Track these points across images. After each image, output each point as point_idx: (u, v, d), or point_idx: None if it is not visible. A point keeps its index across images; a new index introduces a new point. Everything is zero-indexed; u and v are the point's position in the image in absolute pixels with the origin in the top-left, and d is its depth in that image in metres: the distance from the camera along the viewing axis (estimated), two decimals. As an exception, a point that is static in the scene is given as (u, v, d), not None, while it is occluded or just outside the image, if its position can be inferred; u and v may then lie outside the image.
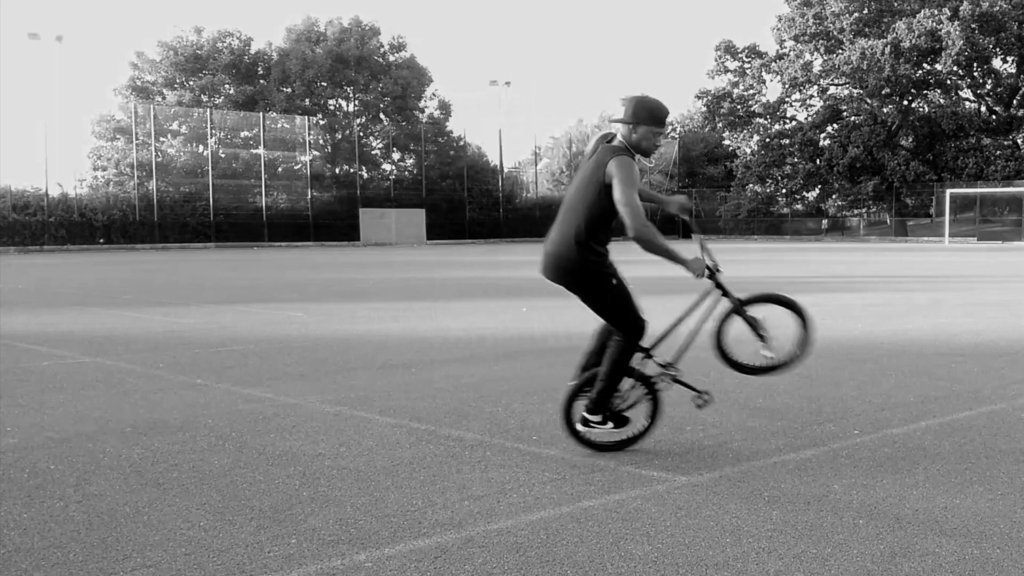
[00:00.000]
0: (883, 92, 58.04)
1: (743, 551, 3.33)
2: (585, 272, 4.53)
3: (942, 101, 59.62)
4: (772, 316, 4.76)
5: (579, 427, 4.65)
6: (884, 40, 56.26)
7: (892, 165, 57.72)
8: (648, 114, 4.54)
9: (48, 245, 44.06)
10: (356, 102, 63.84)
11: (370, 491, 4.10)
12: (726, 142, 71.64)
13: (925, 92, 60.40)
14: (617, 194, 4.37)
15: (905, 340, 9.00)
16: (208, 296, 15.30)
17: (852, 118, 60.91)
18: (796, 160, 62.02)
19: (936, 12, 56.09)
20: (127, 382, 6.87)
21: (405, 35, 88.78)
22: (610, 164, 4.43)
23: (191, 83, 59.32)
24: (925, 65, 57.99)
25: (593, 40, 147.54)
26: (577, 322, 10.79)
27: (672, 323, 4.78)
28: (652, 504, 3.88)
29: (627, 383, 4.67)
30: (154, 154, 50.84)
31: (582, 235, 4.47)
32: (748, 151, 67.19)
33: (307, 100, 61.62)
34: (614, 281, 4.58)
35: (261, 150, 53.87)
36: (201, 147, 54.87)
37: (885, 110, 59.44)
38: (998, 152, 57.11)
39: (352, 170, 59.22)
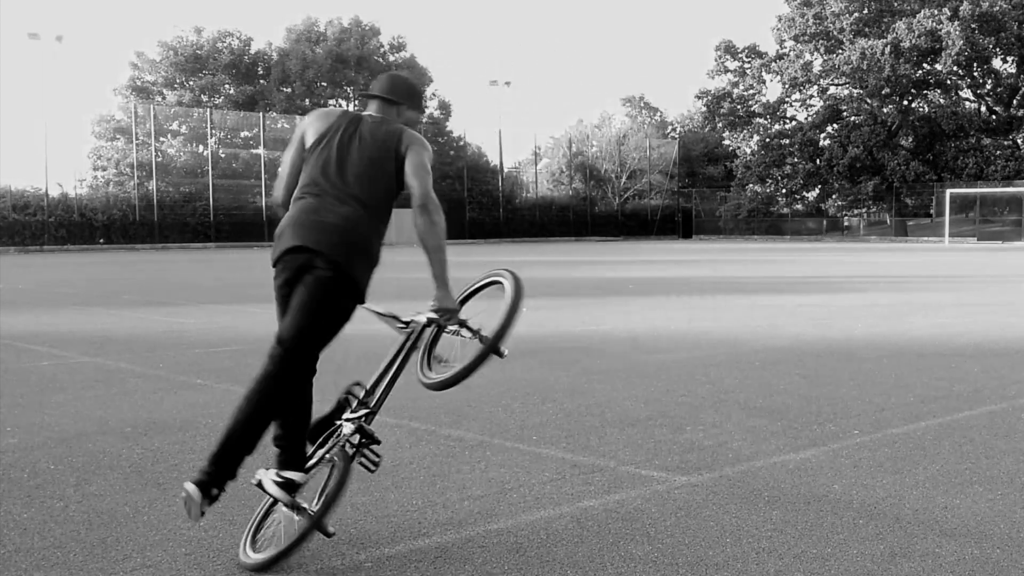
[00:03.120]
0: (883, 92, 58.02)
1: (743, 551, 3.33)
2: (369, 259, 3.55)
3: (942, 101, 59.60)
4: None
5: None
6: (884, 40, 56.25)
7: (892, 165, 57.71)
8: (413, 95, 3.73)
9: (48, 245, 44.03)
10: (356, 102, 63.82)
11: (370, 491, 4.10)
12: (726, 142, 71.63)
13: (925, 92, 60.39)
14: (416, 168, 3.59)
15: (905, 340, 9.00)
16: (208, 296, 15.30)
17: (852, 118, 60.89)
18: (796, 160, 61.99)
19: (936, 12, 56.08)
20: (127, 382, 6.87)
21: (405, 35, 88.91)
22: (407, 136, 3.57)
23: (191, 83, 59.33)
24: (925, 65, 57.98)
25: (593, 40, 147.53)
26: (577, 322, 10.80)
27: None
28: (652, 504, 3.87)
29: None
30: (154, 154, 50.82)
31: (382, 213, 3.58)
32: (748, 151, 67.18)
33: (307, 100, 61.62)
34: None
35: (261, 150, 53.84)
36: (201, 147, 54.87)
37: (885, 110, 59.42)
38: (998, 152, 57.09)
39: (352, 170, 59.16)
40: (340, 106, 64.99)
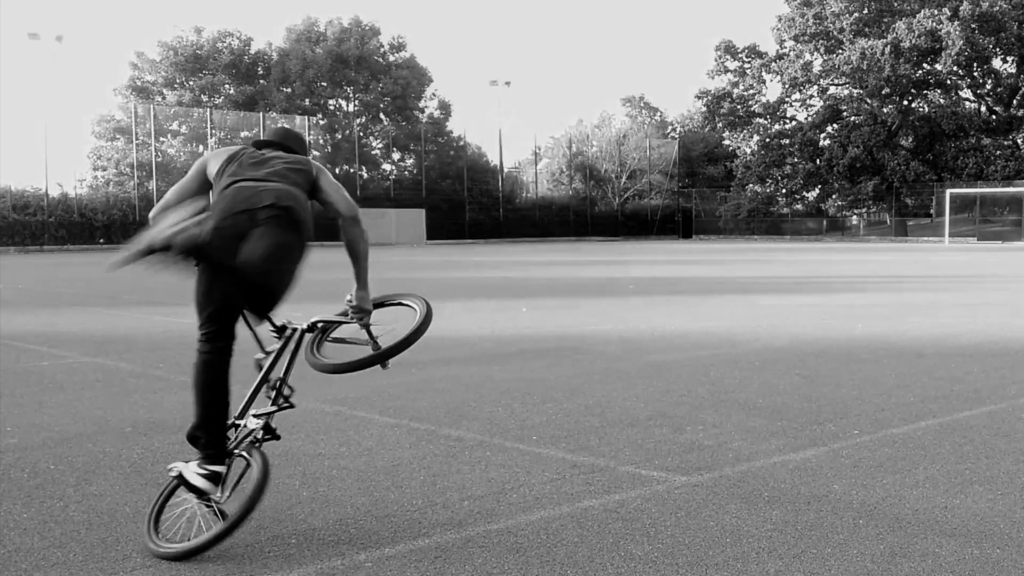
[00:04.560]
0: (883, 92, 58.02)
1: (743, 551, 3.33)
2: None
3: (942, 101, 59.60)
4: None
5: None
6: (884, 40, 56.25)
7: (892, 165, 57.71)
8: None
9: (48, 245, 44.02)
10: (356, 102, 63.84)
11: (370, 491, 4.10)
12: (726, 142, 71.63)
13: (925, 92, 60.39)
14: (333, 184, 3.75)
15: (905, 340, 9.00)
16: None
17: (852, 118, 60.89)
18: (796, 160, 61.99)
19: (936, 12, 56.08)
20: (127, 382, 6.86)
21: (405, 35, 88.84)
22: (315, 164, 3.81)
23: (191, 83, 59.34)
24: (925, 65, 57.98)
25: (593, 40, 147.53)
26: (577, 322, 10.80)
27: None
28: (652, 504, 3.87)
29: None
30: (154, 154, 50.83)
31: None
32: (748, 151, 67.18)
33: (307, 100, 61.64)
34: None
35: (261, 150, 53.79)
36: (201, 147, 54.85)
37: (885, 110, 59.42)
38: (998, 152, 57.09)
39: (352, 170, 59.23)
40: (340, 106, 65.07)
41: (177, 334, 9.85)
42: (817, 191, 64.19)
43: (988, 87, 60.44)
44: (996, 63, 59.40)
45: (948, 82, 58.90)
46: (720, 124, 68.42)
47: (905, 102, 59.61)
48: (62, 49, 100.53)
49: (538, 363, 7.67)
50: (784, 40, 62.96)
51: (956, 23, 54.42)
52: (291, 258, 3.51)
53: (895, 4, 59.20)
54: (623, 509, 3.81)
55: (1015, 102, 59.68)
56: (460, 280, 19.68)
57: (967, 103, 61.32)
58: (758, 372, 7.13)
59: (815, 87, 62.98)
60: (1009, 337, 9.21)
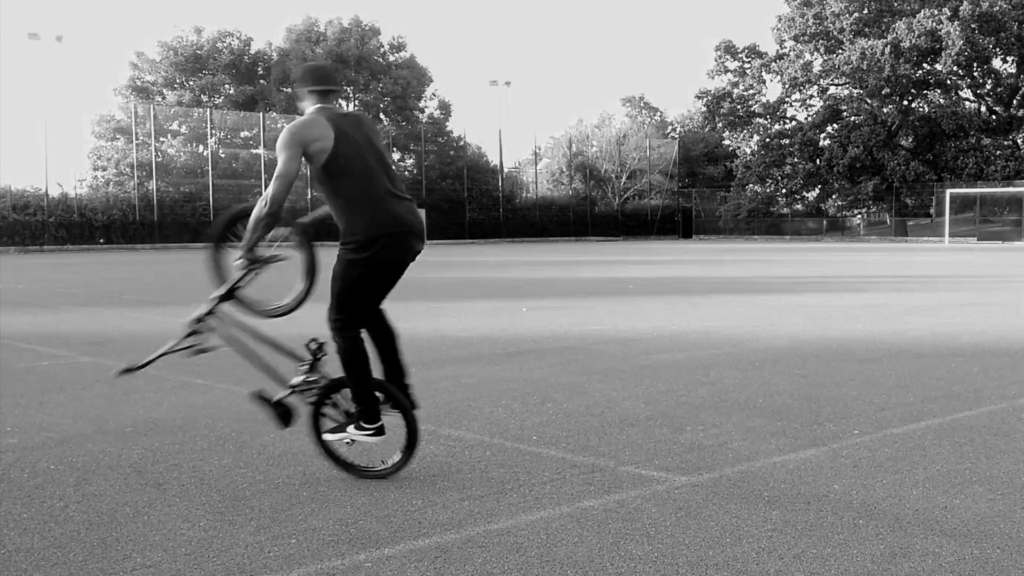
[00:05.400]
0: (883, 92, 58.01)
1: (743, 551, 3.33)
2: None
3: (942, 101, 59.60)
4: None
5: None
6: (884, 40, 56.25)
7: (892, 165, 57.71)
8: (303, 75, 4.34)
9: (48, 245, 44.02)
10: (356, 102, 63.84)
11: (370, 491, 4.10)
12: (726, 142, 71.64)
13: (925, 92, 60.38)
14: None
15: (905, 340, 9.00)
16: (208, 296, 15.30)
17: (852, 118, 60.89)
18: (796, 160, 61.98)
19: (936, 12, 56.08)
20: (127, 382, 6.86)
21: (405, 35, 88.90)
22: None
23: (191, 83, 59.33)
24: (925, 65, 57.98)
25: (593, 40, 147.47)
26: (577, 322, 10.80)
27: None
28: (652, 504, 3.87)
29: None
30: (154, 154, 50.82)
31: None
32: (748, 151, 67.19)
33: (307, 100, 61.63)
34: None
35: (261, 150, 53.83)
36: (201, 147, 54.87)
37: (885, 110, 59.42)
38: (998, 152, 57.09)
39: (352, 170, 59.22)
40: (340, 106, 64.98)
41: (177, 334, 9.85)
42: (817, 191, 64.19)
43: (988, 87, 60.43)
44: (996, 63, 59.41)
45: (948, 82, 58.89)
46: (720, 124, 68.43)
47: (905, 102, 59.61)
48: (62, 49, 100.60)
49: (538, 363, 7.67)
50: (784, 40, 62.96)
51: (956, 23, 54.42)
52: None
53: (895, 4, 59.20)
54: (623, 509, 3.81)
55: (1015, 102, 59.68)
56: (460, 280, 19.68)
57: (967, 103, 61.32)
58: (758, 372, 7.13)
59: (815, 87, 62.98)
60: (1009, 337, 9.22)
